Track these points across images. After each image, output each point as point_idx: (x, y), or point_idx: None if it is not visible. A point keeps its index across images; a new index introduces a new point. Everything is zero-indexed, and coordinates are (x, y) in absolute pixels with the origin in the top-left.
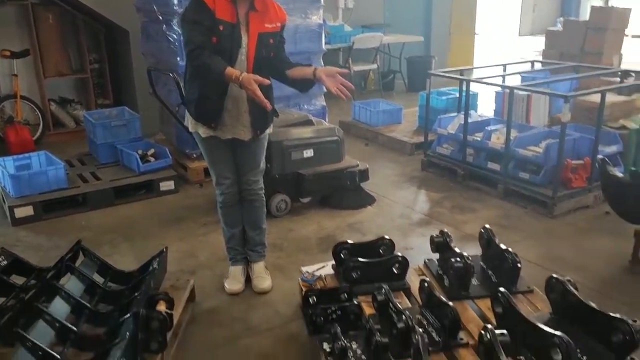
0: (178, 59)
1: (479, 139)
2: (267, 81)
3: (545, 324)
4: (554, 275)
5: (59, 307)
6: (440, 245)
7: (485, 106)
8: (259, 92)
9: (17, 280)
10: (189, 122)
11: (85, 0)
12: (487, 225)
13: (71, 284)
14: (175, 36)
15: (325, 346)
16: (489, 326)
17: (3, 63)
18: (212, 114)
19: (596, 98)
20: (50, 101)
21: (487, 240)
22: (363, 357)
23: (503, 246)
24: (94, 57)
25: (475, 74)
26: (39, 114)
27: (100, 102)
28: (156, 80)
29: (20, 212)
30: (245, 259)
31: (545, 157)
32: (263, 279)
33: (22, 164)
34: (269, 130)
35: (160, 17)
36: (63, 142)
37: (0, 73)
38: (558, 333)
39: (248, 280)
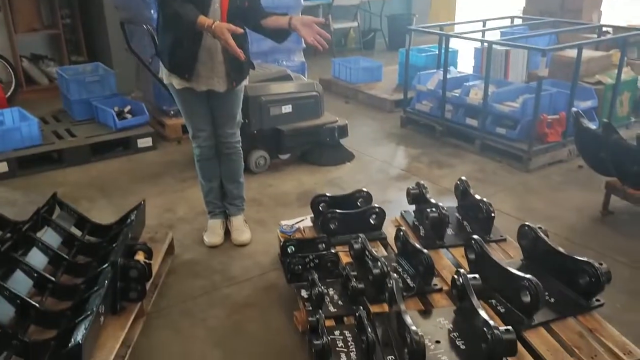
0: (152, 11)
1: (457, 95)
2: (240, 30)
3: (516, 270)
4: (526, 223)
5: (36, 258)
6: (417, 196)
7: (465, 63)
8: (231, 41)
9: None
10: (163, 73)
11: None
12: (463, 177)
13: (48, 236)
14: None
15: (303, 293)
16: (462, 270)
17: None
18: (185, 64)
19: (574, 54)
20: (22, 58)
21: (462, 192)
22: (339, 302)
23: (478, 197)
24: (65, 12)
25: (455, 30)
26: (11, 71)
27: (73, 59)
28: (131, 35)
29: None
30: (224, 212)
31: (521, 112)
32: (242, 232)
33: None
34: (245, 82)
35: None
36: (36, 99)
37: None
38: (527, 276)
39: (227, 233)
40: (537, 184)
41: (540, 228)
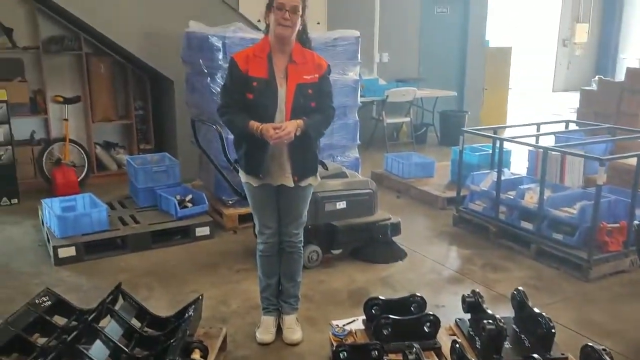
0: None
1: (511, 196)
2: (281, 124)
3: None
4: (589, 344)
5: (98, 350)
6: (472, 305)
7: (519, 164)
8: (276, 136)
9: (59, 320)
10: (241, 174)
11: (136, 52)
12: (520, 288)
13: (110, 327)
14: (218, 89)
15: None
16: None
17: (55, 108)
18: (258, 164)
19: (632, 161)
20: (96, 145)
21: (519, 303)
22: None
23: (537, 310)
24: (138, 104)
25: (509, 132)
26: (85, 157)
27: (142, 147)
28: (197, 129)
29: (63, 253)
30: (278, 309)
31: (580, 219)
32: (294, 331)
33: (67, 205)
34: (313, 182)
35: (205, 71)
36: (105, 184)
37: (52, 117)
38: None
39: (279, 330)
40: (598, 295)
41: (604, 350)
